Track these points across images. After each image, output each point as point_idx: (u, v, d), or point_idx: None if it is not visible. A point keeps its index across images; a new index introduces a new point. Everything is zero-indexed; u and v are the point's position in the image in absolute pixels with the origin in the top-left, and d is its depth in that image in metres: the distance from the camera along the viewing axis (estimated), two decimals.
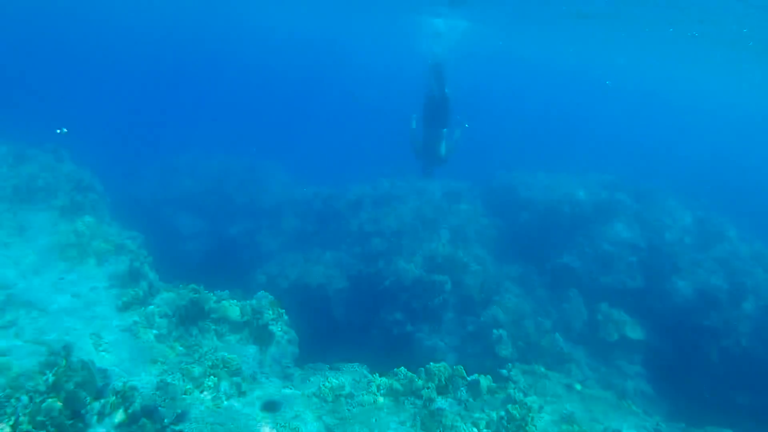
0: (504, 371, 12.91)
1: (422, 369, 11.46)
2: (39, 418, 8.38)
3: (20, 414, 8.39)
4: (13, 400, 8.63)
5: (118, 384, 9.80)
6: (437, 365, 11.41)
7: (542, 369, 13.16)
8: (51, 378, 9.01)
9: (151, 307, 12.30)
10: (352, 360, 15.25)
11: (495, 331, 16.85)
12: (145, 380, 10.22)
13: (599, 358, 17.84)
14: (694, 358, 17.69)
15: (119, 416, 9.44)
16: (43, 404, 8.57)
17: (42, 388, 8.93)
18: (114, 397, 9.57)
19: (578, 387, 12.66)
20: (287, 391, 10.80)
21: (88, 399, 9.06)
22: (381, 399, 10.82)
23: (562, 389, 12.53)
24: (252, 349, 12.46)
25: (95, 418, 9.24)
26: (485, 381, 11.63)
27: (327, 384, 10.72)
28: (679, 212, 22.54)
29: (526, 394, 11.54)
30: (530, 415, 10.55)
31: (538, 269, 21.60)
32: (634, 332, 18.08)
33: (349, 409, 10.30)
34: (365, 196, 25.49)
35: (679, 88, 53.30)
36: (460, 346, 17.68)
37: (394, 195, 25.16)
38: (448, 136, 19.51)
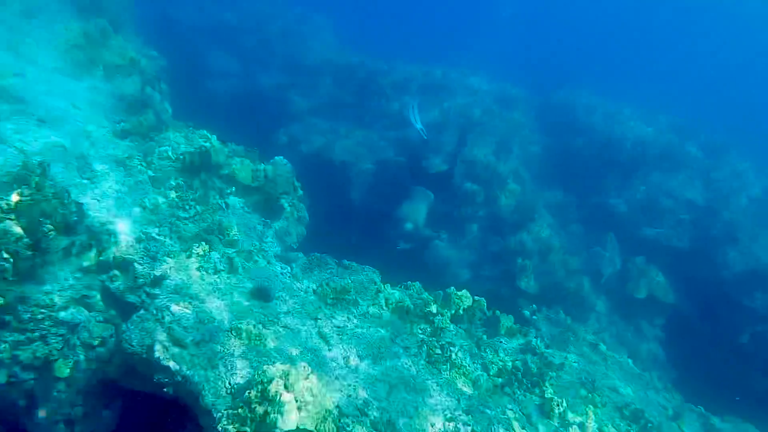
0: (527, 312, 11.50)
1: (440, 293, 9.97)
2: None
3: None
4: None
5: (94, 223, 8.37)
6: (459, 293, 9.90)
7: (569, 320, 11.71)
8: (14, 198, 7.45)
9: (153, 143, 10.63)
10: (361, 253, 13.89)
11: (520, 260, 15.29)
12: (127, 227, 8.76)
13: (621, 313, 16.49)
14: (721, 335, 16.28)
15: (88, 260, 8.10)
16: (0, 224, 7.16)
17: (3, 205, 7.39)
18: (86, 237, 8.18)
19: (603, 347, 11.27)
20: (285, 279, 9.37)
21: (53, 233, 7.62)
22: (387, 314, 9.40)
23: (586, 347, 11.14)
24: (255, 220, 10.96)
25: (59, 254, 7.89)
26: (506, 321, 10.19)
27: (331, 283, 9.26)
28: (751, 177, 20.21)
29: (547, 346, 10.13)
30: (549, 373, 9.17)
31: (578, 202, 19.75)
32: (666, 295, 16.51)
33: (349, 318, 8.91)
34: (413, 79, 23.01)
35: None
36: (477, 264, 16.23)
37: (444, 85, 22.71)
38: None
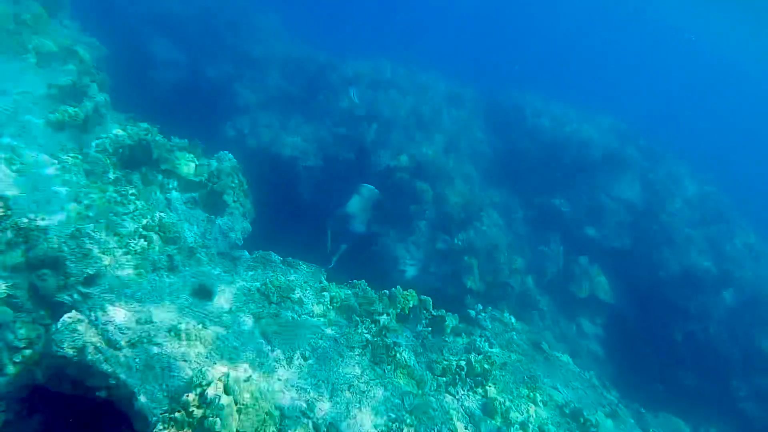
0: (472, 312, 11.57)
1: (385, 292, 9.94)
2: None
3: None
4: None
5: (21, 219, 7.91)
6: (405, 292, 9.88)
7: (512, 319, 11.85)
8: None
9: (90, 135, 10.17)
10: (308, 250, 13.70)
11: (466, 258, 15.39)
12: (58, 222, 8.32)
13: (563, 311, 16.83)
14: (657, 334, 16.89)
15: (14, 258, 7.64)
16: None
17: None
18: (12, 234, 7.73)
19: (545, 346, 11.48)
20: (228, 277, 9.12)
21: None
22: (332, 313, 9.28)
23: (529, 346, 11.30)
24: (199, 215, 10.63)
25: None
26: (451, 320, 10.24)
27: (275, 282, 9.08)
28: (686, 181, 20.98)
29: (491, 345, 10.23)
30: (493, 372, 9.26)
31: (524, 202, 20.02)
32: (606, 294, 17.00)
33: (293, 317, 8.74)
34: (363, 75, 22.80)
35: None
36: (424, 262, 16.23)
37: (394, 83, 22.62)
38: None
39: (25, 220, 7.82)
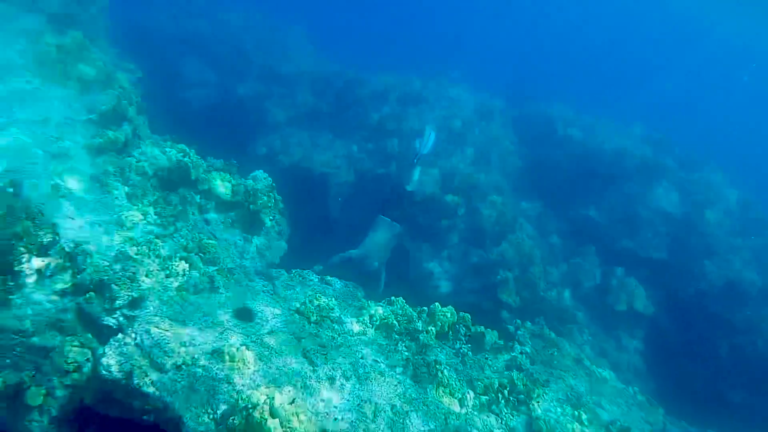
0: (511, 327, 11.42)
1: (424, 309, 9.87)
2: None
3: None
4: None
5: (69, 243, 8.07)
6: (444, 309, 9.79)
7: (552, 334, 11.65)
8: None
9: (130, 158, 10.36)
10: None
11: (501, 271, 15.26)
12: (103, 245, 8.48)
13: (601, 325, 16.50)
14: (701, 348, 16.45)
15: (62, 282, 7.77)
16: None
17: None
18: (61, 259, 7.87)
19: (587, 362, 11.24)
20: (267, 297, 9.16)
21: (26, 256, 7.34)
22: (372, 331, 9.25)
23: (571, 362, 11.09)
24: (236, 235, 10.73)
25: (33, 278, 7.57)
26: (491, 336, 10.10)
27: (314, 301, 9.09)
28: (725, 190, 20.49)
29: (533, 362, 10.06)
30: (536, 390, 9.09)
31: (557, 214, 19.81)
32: (645, 306, 16.62)
33: (333, 336, 8.72)
34: (392, 89, 22.86)
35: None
36: (458, 277, 16.18)
37: (423, 97, 22.62)
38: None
39: (72, 245, 7.97)
